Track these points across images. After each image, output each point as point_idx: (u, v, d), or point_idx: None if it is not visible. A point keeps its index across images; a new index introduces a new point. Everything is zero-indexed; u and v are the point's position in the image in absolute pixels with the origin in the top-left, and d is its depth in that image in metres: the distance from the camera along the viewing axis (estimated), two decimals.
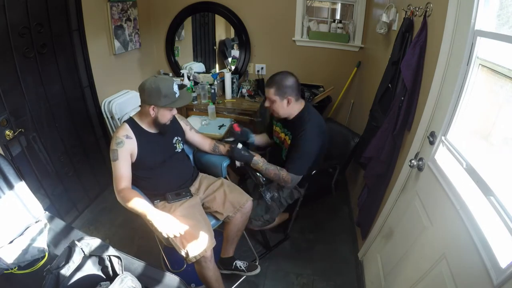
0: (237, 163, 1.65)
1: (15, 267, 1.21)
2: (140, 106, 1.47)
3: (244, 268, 1.63)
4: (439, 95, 1.16)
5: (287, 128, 1.67)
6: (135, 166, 1.45)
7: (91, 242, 1.15)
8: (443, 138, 1.12)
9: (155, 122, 1.45)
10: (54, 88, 1.89)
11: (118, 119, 2.29)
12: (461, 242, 0.90)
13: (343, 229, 2.17)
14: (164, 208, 1.46)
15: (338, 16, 2.86)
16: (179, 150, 1.61)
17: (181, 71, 3.01)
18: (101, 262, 1.15)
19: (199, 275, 1.44)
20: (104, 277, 1.14)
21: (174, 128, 1.60)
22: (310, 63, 2.86)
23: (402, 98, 1.35)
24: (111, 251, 1.16)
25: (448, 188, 1.03)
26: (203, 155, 1.79)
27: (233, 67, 3.03)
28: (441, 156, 1.14)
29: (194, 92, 2.76)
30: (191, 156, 1.82)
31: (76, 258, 1.08)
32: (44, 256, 1.28)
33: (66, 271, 1.03)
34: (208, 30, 3.18)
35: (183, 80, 2.89)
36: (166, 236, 1.28)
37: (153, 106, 1.39)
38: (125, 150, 1.39)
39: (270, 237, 1.99)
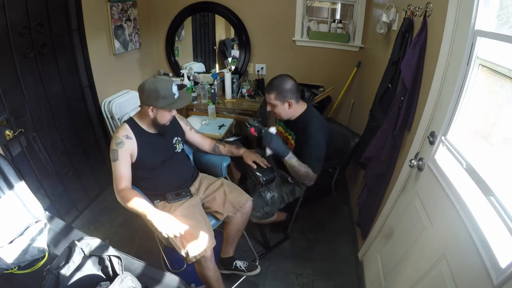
0: (268, 151, 1.56)
1: (15, 267, 1.21)
2: (140, 106, 1.47)
3: (244, 268, 1.63)
4: (439, 95, 1.16)
5: (290, 128, 1.70)
6: (135, 166, 1.45)
7: (91, 242, 1.15)
8: (443, 138, 1.12)
9: (155, 123, 1.45)
10: (54, 88, 1.89)
11: (118, 119, 2.29)
12: (461, 242, 0.90)
13: (343, 229, 2.17)
14: (164, 208, 1.46)
15: (338, 16, 2.86)
16: (179, 150, 1.61)
17: (181, 71, 3.01)
18: (101, 262, 1.15)
19: (199, 275, 1.44)
20: (104, 277, 1.14)
21: (174, 128, 1.60)
22: (310, 63, 2.86)
23: (402, 98, 1.35)
24: (111, 251, 1.16)
25: (448, 188, 1.03)
26: (203, 155, 1.79)
27: (233, 67, 3.03)
28: (441, 156, 1.14)
29: (194, 92, 2.76)
30: (191, 156, 1.82)
31: (76, 258, 1.08)
32: (44, 256, 1.28)
33: (66, 271, 1.03)
34: (208, 30, 3.18)
35: (183, 80, 2.90)
36: (166, 236, 1.28)
37: (152, 107, 1.39)
38: (125, 150, 1.39)
39: (270, 237, 1.99)
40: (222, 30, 3.22)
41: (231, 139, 2.05)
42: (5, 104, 1.55)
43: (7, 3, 1.48)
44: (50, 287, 1.00)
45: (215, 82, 2.86)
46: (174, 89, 1.40)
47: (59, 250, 1.29)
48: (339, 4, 2.81)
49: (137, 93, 1.52)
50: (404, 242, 1.32)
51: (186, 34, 3.14)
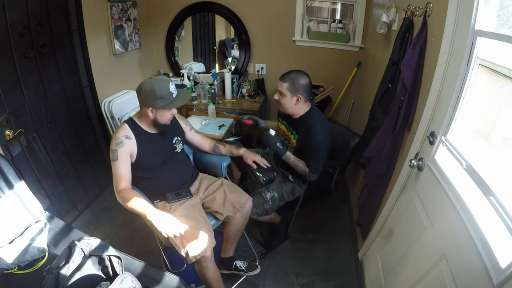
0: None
1: (15, 267, 1.21)
2: (139, 107, 1.47)
3: (244, 268, 1.63)
4: (439, 95, 1.16)
5: (292, 127, 1.72)
6: (135, 166, 1.45)
7: (91, 242, 1.15)
8: (443, 138, 1.12)
9: (155, 123, 1.45)
10: (54, 88, 1.89)
11: (118, 119, 2.29)
12: (461, 242, 0.90)
13: (343, 229, 2.17)
14: (164, 208, 1.46)
15: (338, 16, 2.86)
16: (179, 150, 1.61)
17: (181, 71, 3.01)
18: (101, 262, 1.15)
19: (199, 275, 1.44)
20: (104, 277, 1.14)
21: (174, 128, 1.60)
22: (310, 63, 2.86)
23: (402, 98, 1.35)
24: (111, 251, 1.16)
25: (448, 188, 1.03)
26: (203, 155, 1.79)
27: (233, 67, 3.03)
28: (441, 156, 1.14)
29: (194, 92, 2.76)
30: (191, 156, 1.82)
31: (76, 258, 1.08)
32: (44, 256, 1.28)
33: (66, 271, 1.04)
34: (208, 30, 3.18)
35: (183, 80, 2.90)
36: (166, 236, 1.28)
37: (151, 108, 1.39)
38: (125, 150, 1.39)
39: (270, 237, 1.99)
40: (222, 30, 3.22)
41: (231, 139, 2.05)
42: (5, 104, 1.55)
43: (7, 3, 1.47)
44: (50, 287, 1.00)
45: (215, 82, 2.86)
46: (172, 88, 1.40)
47: (59, 250, 1.29)
48: (339, 4, 2.81)
49: None
50: (404, 242, 1.32)
51: (186, 34, 3.14)
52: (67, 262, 1.05)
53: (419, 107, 1.32)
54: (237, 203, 1.55)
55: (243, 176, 2.02)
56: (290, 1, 2.67)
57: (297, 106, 1.62)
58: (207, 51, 3.29)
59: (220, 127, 2.38)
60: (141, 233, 2.02)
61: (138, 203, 1.32)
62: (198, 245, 1.33)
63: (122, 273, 1.09)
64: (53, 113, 1.88)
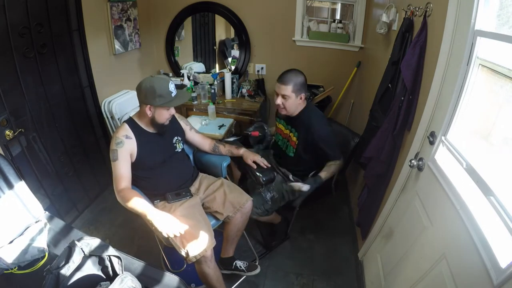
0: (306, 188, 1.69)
1: (15, 267, 1.21)
2: (139, 106, 1.47)
3: (244, 268, 1.63)
4: (439, 95, 1.16)
5: (290, 125, 1.74)
6: (135, 166, 1.45)
7: (91, 242, 1.16)
8: (443, 138, 1.12)
9: (153, 122, 1.45)
10: (54, 88, 1.89)
11: (118, 119, 2.29)
12: (461, 242, 0.90)
13: (343, 229, 2.17)
14: (164, 208, 1.46)
15: (338, 16, 2.85)
16: (179, 150, 1.61)
17: (181, 71, 3.01)
18: (101, 262, 1.15)
19: (199, 275, 1.44)
20: (104, 277, 1.14)
21: (174, 128, 1.60)
22: (310, 63, 2.86)
23: (402, 98, 1.35)
24: (111, 251, 1.16)
25: (448, 188, 1.02)
26: (203, 155, 1.79)
27: (233, 67, 3.03)
28: (441, 156, 1.14)
29: (194, 92, 2.76)
30: (191, 156, 1.82)
31: (76, 258, 1.08)
32: (44, 256, 1.28)
33: (66, 271, 1.04)
34: (208, 30, 3.18)
35: (183, 80, 2.89)
36: (166, 236, 1.28)
37: (149, 106, 1.39)
38: (125, 150, 1.40)
39: (270, 237, 1.99)
40: (222, 30, 3.21)
41: (231, 139, 2.05)
42: (5, 104, 1.55)
43: (7, 3, 1.47)
44: (50, 287, 1.00)
45: (215, 82, 2.86)
46: (171, 87, 1.40)
47: (59, 250, 1.29)
48: (339, 4, 2.81)
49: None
50: (404, 242, 1.31)
51: (186, 34, 3.14)
52: (67, 262, 1.05)
53: (419, 107, 1.32)
54: (237, 203, 1.55)
55: (243, 176, 2.02)
56: (290, 1, 2.66)
57: (298, 105, 1.66)
58: (207, 51, 3.29)
59: (220, 127, 2.38)
60: (141, 233, 2.02)
61: (138, 203, 1.32)
62: (198, 245, 1.33)
63: (122, 273, 1.09)
64: (53, 113, 1.88)
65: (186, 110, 2.76)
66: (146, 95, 1.37)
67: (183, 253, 1.34)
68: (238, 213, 1.55)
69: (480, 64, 0.98)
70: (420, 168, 1.23)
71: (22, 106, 1.67)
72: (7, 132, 1.57)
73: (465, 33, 1.00)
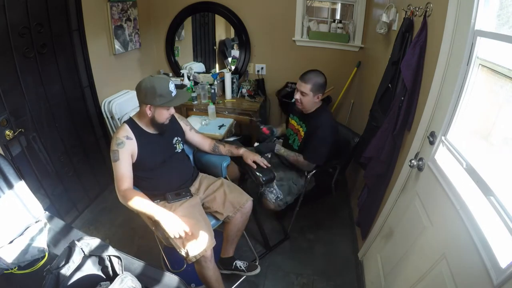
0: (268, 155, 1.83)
1: (15, 267, 1.21)
2: (139, 106, 1.47)
3: (244, 268, 1.63)
4: (439, 95, 1.16)
5: (302, 120, 1.83)
6: (135, 166, 1.45)
7: (91, 242, 1.15)
8: (443, 138, 1.12)
9: (153, 122, 1.45)
10: (54, 88, 1.89)
11: (118, 119, 2.29)
12: (461, 242, 0.90)
13: (343, 229, 2.17)
14: (164, 208, 1.46)
15: (338, 16, 2.86)
16: (179, 150, 1.61)
17: (181, 71, 3.01)
18: (101, 262, 1.15)
19: (199, 275, 1.44)
20: (104, 277, 1.14)
21: (174, 128, 1.60)
22: (310, 63, 2.83)
23: (402, 98, 1.35)
24: (111, 251, 1.16)
25: (448, 188, 1.03)
26: (203, 155, 1.79)
27: (233, 67, 3.03)
28: (441, 156, 1.14)
29: (194, 92, 2.76)
30: (191, 156, 1.82)
31: (76, 258, 1.08)
32: (44, 256, 1.28)
33: (66, 271, 1.04)
34: (208, 30, 3.18)
35: (183, 80, 2.90)
36: (172, 237, 1.28)
37: (149, 105, 1.39)
38: (126, 151, 1.39)
39: (270, 237, 1.99)
40: (222, 30, 3.22)
41: (231, 139, 2.05)
42: (5, 104, 1.55)
43: (7, 3, 1.47)
44: (50, 287, 1.00)
45: (215, 82, 2.86)
46: (171, 87, 1.40)
47: (59, 250, 1.29)
48: (339, 4, 2.81)
49: None
50: (404, 242, 1.31)
51: (186, 34, 3.14)
52: (67, 262, 1.05)
53: (419, 107, 1.32)
54: (237, 203, 1.55)
55: (242, 176, 2.02)
56: (290, 1, 2.67)
57: (314, 103, 1.76)
58: (207, 51, 3.29)
59: (220, 127, 2.38)
60: (141, 233, 2.02)
61: (143, 204, 1.33)
62: (198, 245, 1.33)
63: (122, 273, 1.09)
64: (53, 113, 1.88)
65: (186, 110, 2.76)
66: (146, 94, 1.37)
67: (183, 253, 1.34)
68: (238, 213, 1.55)
69: (480, 64, 0.98)
70: (420, 168, 1.23)
71: (22, 106, 1.67)
72: (7, 132, 1.57)
73: (465, 33, 1.00)
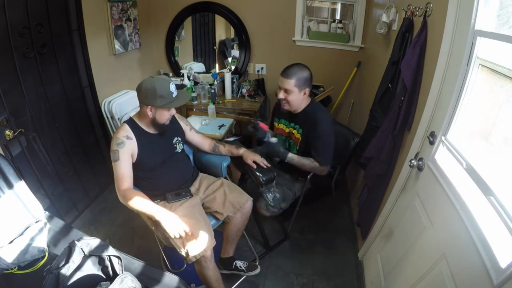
0: (273, 140, 1.63)
1: (15, 267, 1.21)
2: (139, 106, 1.47)
3: (244, 268, 1.63)
4: (439, 95, 1.16)
5: (293, 122, 1.69)
6: (135, 166, 1.45)
7: (91, 242, 1.15)
8: (443, 138, 1.12)
9: (154, 123, 1.45)
10: (54, 88, 1.89)
11: (118, 119, 2.29)
12: (461, 242, 0.90)
13: (343, 229, 2.17)
14: (164, 208, 1.47)
15: (338, 16, 2.86)
16: (179, 150, 1.61)
17: (181, 71, 3.01)
18: (101, 262, 1.15)
19: (199, 275, 1.44)
20: (104, 277, 1.14)
21: (174, 128, 1.60)
22: (310, 63, 2.80)
23: (402, 98, 1.35)
24: (111, 251, 1.16)
25: (448, 188, 1.03)
26: (203, 155, 1.79)
27: (233, 67, 3.03)
28: (441, 156, 1.14)
29: (194, 92, 2.76)
30: (191, 156, 1.82)
31: (76, 258, 1.08)
32: (44, 256, 1.28)
33: (66, 271, 1.04)
34: (208, 30, 3.18)
35: (183, 80, 2.90)
36: (173, 237, 1.29)
37: (150, 106, 1.39)
38: (126, 151, 1.39)
39: (270, 237, 1.99)
40: (222, 30, 3.22)
41: (231, 139, 2.04)
42: (5, 104, 1.54)
43: (7, 3, 1.47)
44: (50, 287, 1.00)
45: (215, 82, 2.86)
46: (172, 87, 1.40)
47: (59, 250, 1.28)
48: (339, 4, 2.81)
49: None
50: (404, 242, 1.31)
51: (186, 34, 3.14)
52: (67, 262, 1.05)
53: (419, 107, 1.32)
54: (237, 203, 1.55)
55: (243, 176, 2.02)
56: (290, 1, 2.67)
57: (302, 101, 1.61)
58: (207, 51, 3.29)
59: (220, 127, 2.38)
60: (141, 233, 2.02)
61: (143, 204, 1.33)
62: (198, 245, 1.33)
63: (122, 273, 1.09)
64: (53, 113, 1.88)
65: (186, 110, 2.76)
66: (146, 95, 1.37)
67: (183, 253, 1.34)
68: (238, 213, 1.55)
69: (480, 64, 0.98)
70: (420, 168, 1.23)
71: (22, 106, 1.67)
72: (7, 132, 1.57)
73: (465, 33, 1.00)
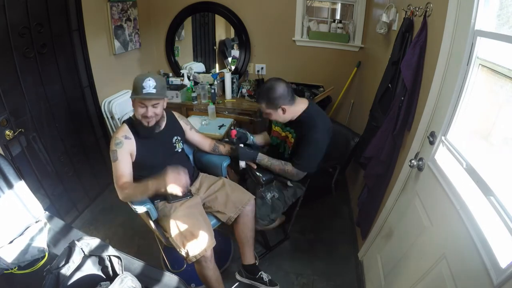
0: (241, 164, 1.62)
1: (15, 267, 1.21)
2: None
3: (267, 281, 1.60)
4: (439, 95, 1.16)
5: (290, 126, 1.65)
6: (135, 166, 1.45)
7: (91, 242, 1.16)
8: (443, 138, 1.12)
9: (136, 120, 1.45)
10: (54, 88, 1.89)
11: (118, 119, 2.29)
12: (461, 242, 0.90)
13: (343, 229, 2.17)
14: (165, 208, 1.47)
15: (338, 16, 2.86)
16: (179, 150, 1.61)
17: (181, 71, 3.01)
18: (101, 262, 1.15)
19: (199, 275, 1.44)
20: (104, 277, 1.14)
21: (174, 128, 1.60)
22: (310, 63, 2.86)
23: (402, 98, 1.35)
24: (111, 251, 1.16)
25: (448, 188, 1.03)
26: (203, 155, 1.79)
27: (233, 67, 3.03)
28: (441, 156, 1.14)
29: (194, 92, 2.76)
30: (191, 156, 1.82)
31: (76, 258, 1.08)
32: (44, 256, 1.29)
33: (66, 271, 1.04)
34: (208, 30, 3.18)
35: (183, 80, 2.89)
36: (182, 190, 1.29)
37: (132, 100, 1.41)
38: (124, 151, 1.40)
39: (270, 237, 1.99)
40: (222, 30, 3.22)
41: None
42: (5, 104, 1.55)
43: (7, 3, 1.48)
44: (50, 287, 1.00)
45: (215, 82, 2.86)
46: (147, 83, 1.34)
47: (59, 250, 1.28)
48: (339, 4, 2.81)
49: None
50: (404, 242, 1.31)
51: (186, 34, 3.14)
52: (67, 262, 1.05)
53: (419, 107, 1.32)
54: (239, 203, 1.55)
55: (242, 176, 2.02)
56: (290, 1, 2.67)
57: (287, 115, 1.55)
58: (207, 51, 3.29)
59: (220, 127, 2.38)
60: (141, 233, 2.02)
61: (136, 185, 1.35)
62: (198, 245, 1.33)
63: (122, 273, 1.09)
64: (53, 113, 1.88)
65: (186, 110, 2.75)
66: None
67: (183, 253, 1.34)
68: (243, 212, 1.55)
69: (480, 64, 0.98)
70: (420, 168, 1.23)
71: (22, 106, 1.67)
72: (7, 132, 1.57)
73: (465, 33, 1.00)
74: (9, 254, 1.19)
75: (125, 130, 1.43)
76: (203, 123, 2.43)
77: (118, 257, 1.15)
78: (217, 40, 3.21)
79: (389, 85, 1.56)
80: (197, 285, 1.67)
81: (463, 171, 0.97)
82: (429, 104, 1.19)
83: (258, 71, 2.96)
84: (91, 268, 1.12)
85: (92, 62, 2.14)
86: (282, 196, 1.72)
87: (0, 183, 1.28)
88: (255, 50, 2.92)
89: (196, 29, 3.15)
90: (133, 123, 1.47)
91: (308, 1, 2.73)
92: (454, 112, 1.08)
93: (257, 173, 1.61)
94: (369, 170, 1.66)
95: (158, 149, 1.51)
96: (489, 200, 0.83)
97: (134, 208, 1.36)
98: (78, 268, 1.08)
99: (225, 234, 1.97)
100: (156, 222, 1.48)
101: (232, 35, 3.09)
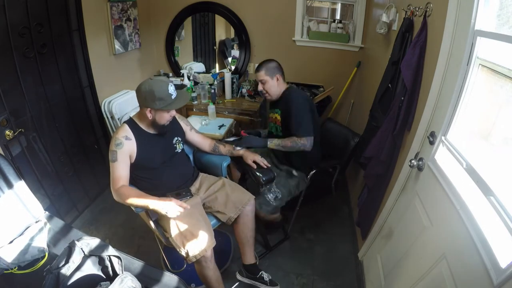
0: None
1: (15, 267, 1.21)
2: (139, 107, 1.47)
3: (267, 281, 1.61)
4: (439, 95, 1.16)
5: (276, 107, 1.83)
6: (135, 166, 1.45)
7: (91, 242, 1.16)
8: (443, 138, 1.12)
9: (154, 124, 1.45)
10: (54, 88, 1.89)
11: (118, 119, 2.29)
12: (461, 242, 0.90)
13: (343, 229, 2.17)
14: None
15: (338, 16, 2.86)
16: (179, 150, 1.61)
17: (181, 71, 3.01)
18: (101, 262, 1.15)
19: (199, 275, 1.44)
20: (104, 277, 1.14)
21: (174, 128, 1.60)
22: (310, 63, 2.86)
23: (402, 98, 1.35)
24: (111, 251, 1.16)
25: (448, 188, 1.03)
26: (203, 155, 1.79)
27: (233, 67, 3.03)
28: (441, 156, 1.14)
29: (194, 92, 2.76)
30: (191, 156, 1.82)
31: (76, 258, 1.08)
32: (44, 256, 1.28)
33: (66, 271, 1.04)
34: (208, 30, 3.18)
35: (183, 80, 2.90)
36: (175, 216, 1.29)
37: (149, 109, 1.39)
38: (124, 151, 1.39)
39: (270, 237, 1.99)
40: (222, 30, 3.22)
41: (231, 139, 2.04)
42: (5, 104, 1.55)
43: (7, 3, 1.48)
44: (50, 287, 1.00)
45: (215, 82, 2.86)
46: (171, 89, 1.39)
47: (59, 250, 1.28)
48: (339, 4, 2.81)
49: None
50: (404, 242, 1.31)
51: (186, 34, 3.14)
52: (67, 262, 1.05)
53: (419, 107, 1.32)
54: (239, 203, 1.55)
55: (243, 176, 2.02)
56: (290, 1, 2.67)
57: (278, 86, 1.76)
58: (207, 51, 3.29)
59: (220, 127, 2.38)
60: (141, 233, 2.02)
61: (137, 197, 1.34)
62: (198, 245, 1.33)
63: (122, 273, 1.09)
64: (53, 113, 1.88)
65: (186, 110, 2.75)
66: (145, 98, 1.36)
67: (183, 253, 1.34)
68: (243, 212, 1.55)
69: (480, 64, 0.98)
70: (420, 168, 1.23)
71: (22, 106, 1.67)
72: (7, 132, 1.57)
73: (465, 33, 1.00)
74: (9, 254, 1.19)
75: (126, 130, 1.43)
76: (203, 123, 2.43)
77: (118, 257, 1.15)
78: (217, 40, 3.21)
79: (389, 85, 1.56)
80: (197, 285, 1.67)
81: (463, 171, 0.97)
82: (429, 104, 1.19)
83: None
84: (91, 268, 1.12)
85: (92, 62, 2.13)
86: (287, 185, 1.78)
87: (0, 183, 1.28)
88: (255, 50, 2.92)
89: (196, 29, 3.15)
90: (135, 125, 1.47)
91: (308, 1, 2.73)
92: (454, 112, 1.08)
93: (257, 173, 1.62)
94: (369, 170, 1.66)
95: (159, 149, 1.51)
96: (489, 200, 0.83)
97: (134, 208, 1.36)
98: (78, 268, 1.08)
99: (226, 233, 1.96)
100: (156, 222, 1.48)
101: (232, 35, 3.10)
